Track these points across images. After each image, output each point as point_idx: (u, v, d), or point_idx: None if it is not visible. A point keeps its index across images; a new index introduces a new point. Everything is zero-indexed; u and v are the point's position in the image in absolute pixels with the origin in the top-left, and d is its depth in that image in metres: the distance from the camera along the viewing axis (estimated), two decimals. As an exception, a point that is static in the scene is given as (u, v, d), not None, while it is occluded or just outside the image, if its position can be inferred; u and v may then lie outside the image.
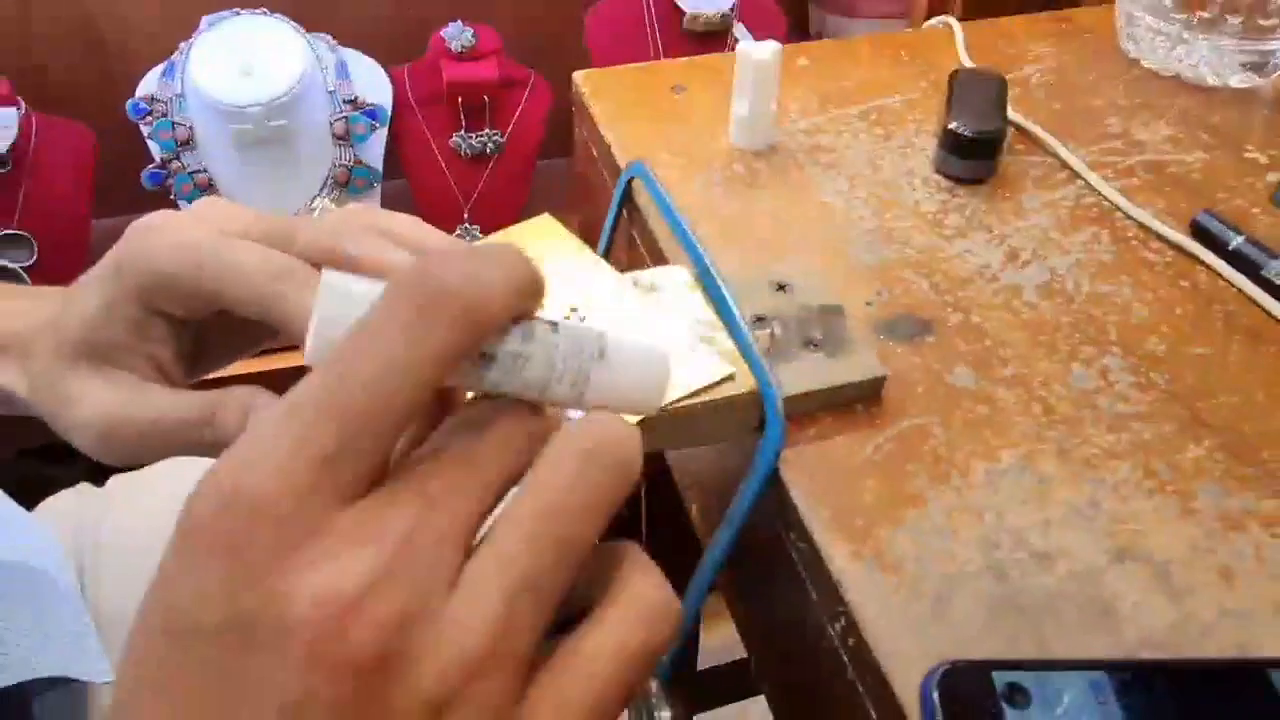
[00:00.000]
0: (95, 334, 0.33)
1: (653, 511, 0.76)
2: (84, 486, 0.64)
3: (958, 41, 0.61)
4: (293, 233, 0.33)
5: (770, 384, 0.34)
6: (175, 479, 0.62)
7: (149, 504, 0.60)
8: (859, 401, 0.36)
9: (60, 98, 0.92)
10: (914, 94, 0.57)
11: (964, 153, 0.49)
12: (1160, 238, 0.46)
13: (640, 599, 0.21)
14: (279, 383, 0.34)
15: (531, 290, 0.22)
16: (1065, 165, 0.51)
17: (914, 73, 0.59)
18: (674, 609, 0.22)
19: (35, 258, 0.86)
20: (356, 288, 0.21)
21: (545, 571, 0.20)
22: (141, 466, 0.52)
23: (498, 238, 0.38)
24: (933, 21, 0.65)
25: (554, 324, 0.22)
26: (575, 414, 0.27)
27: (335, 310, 0.21)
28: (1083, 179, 0.50)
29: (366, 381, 0.19)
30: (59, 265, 0.87)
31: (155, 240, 0.32)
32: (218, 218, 0.33)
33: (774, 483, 0.34)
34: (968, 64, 0.59)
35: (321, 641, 0.18)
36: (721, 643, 0.95)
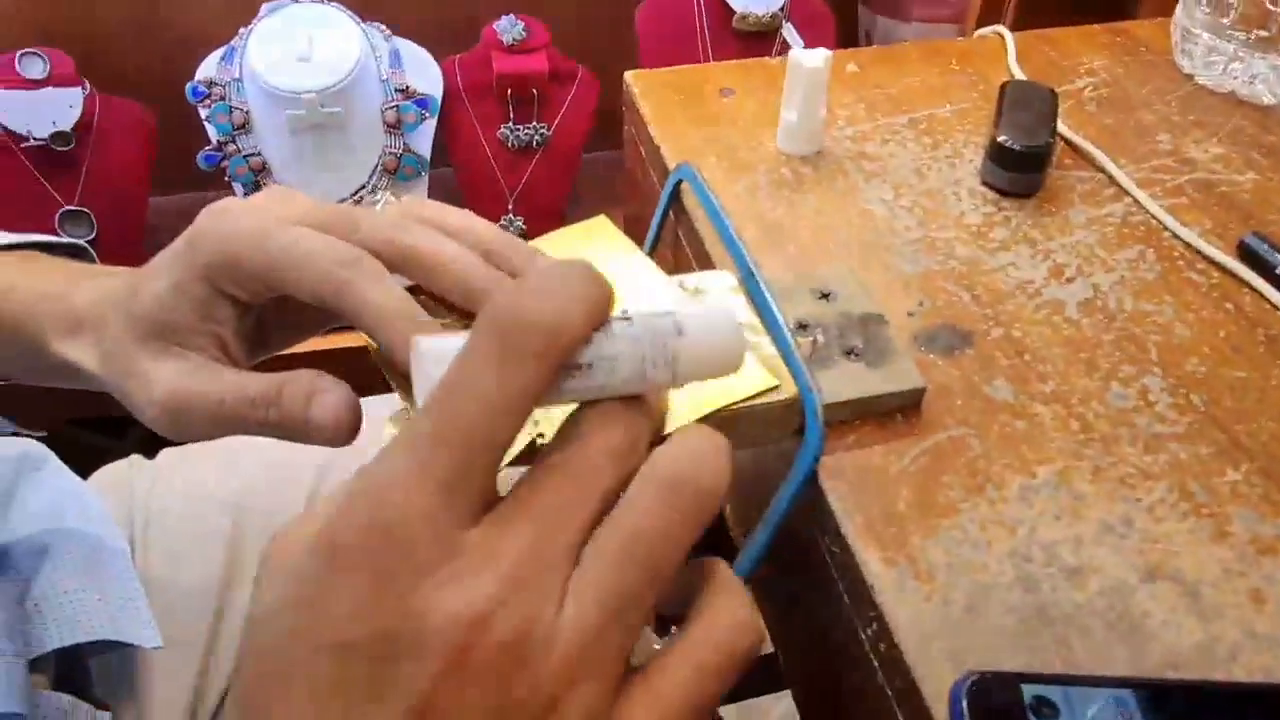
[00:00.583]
0: (165, 313, 0.34)
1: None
2: (135, 458, 0.66)
3: (1009, 52, 0.61)
4: (355, 223, 0.34)
5: (811, 391, 0.35)
6: (223, 455, 0.64)
7: (198, 478, 0.62)
8: (898, 411, 0.37)
9: (123, 79, 0.95)
10: (964, 104, 0.57)
11: (1011, 166, 0.49)
12: (1206, 258, 0.46)
13: (726, 617, 0.23)
14: (337, 362, 0.36)
15: (607, 300, 0.23)
16: (1113, 181, 0.51)
17: (964, 82, 0.59)
18: (757, 626, 0.24)
19: (94, 233, 0.88)
20: (450, 346, 0.22)
21: (633, 593, 0.22)
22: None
23: (552, 237, 0.39)
24: (984, 31, 0.65)
25: (628, 317, 0.23)
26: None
27: (432, 372, 0.22)
28: (1131, 196, 0.50)
29: (470, 421, 0.21)
30: (116, 241, 0.90)
31: (226, 224, 0.33)
32: (284, 206, 0.34)
33: (811, 487, 0.35)
34: (1019, 75, 0.59)
35: (455, 654, 0.20)
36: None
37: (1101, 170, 0.52)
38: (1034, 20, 0.95)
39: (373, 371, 0.34)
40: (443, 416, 0.21)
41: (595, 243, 0.40)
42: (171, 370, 0.34)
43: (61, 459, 0.60)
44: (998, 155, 0.49)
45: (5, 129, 0.84)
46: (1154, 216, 0.48)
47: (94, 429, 0.96)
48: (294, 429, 0.33)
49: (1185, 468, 0.36)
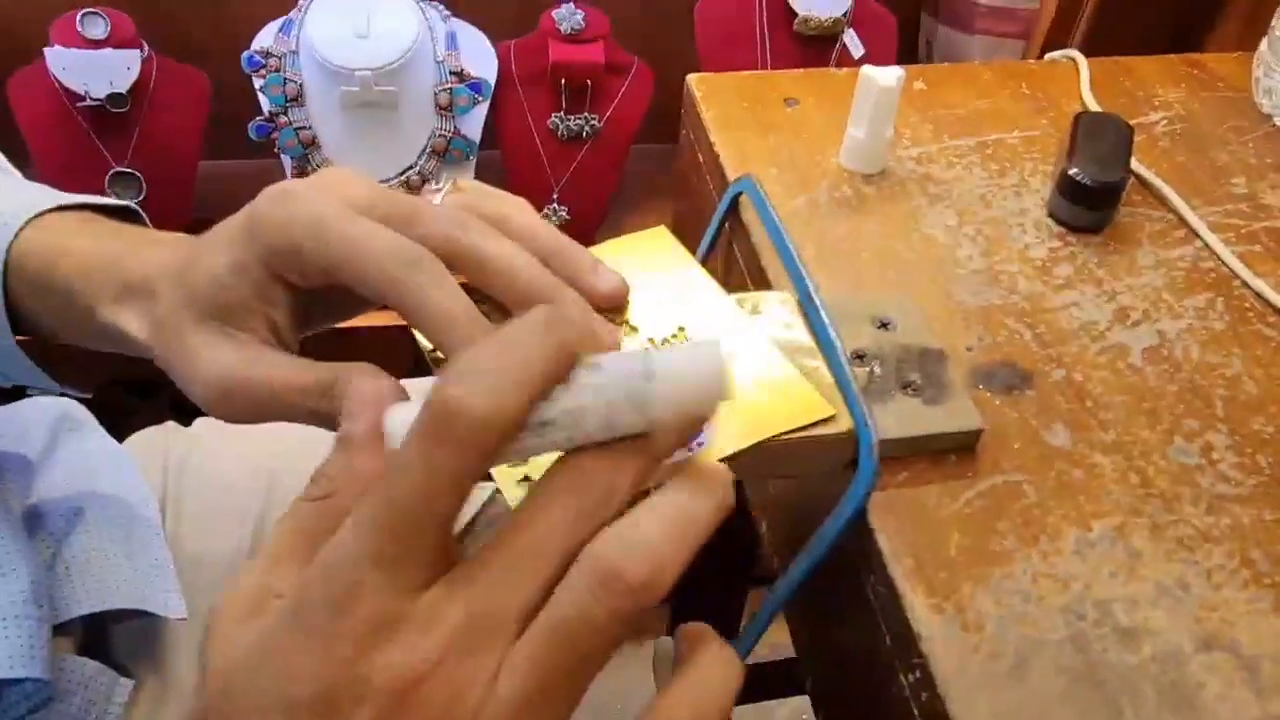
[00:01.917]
0: (221, 293, 0.33)
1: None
2: (171, 425, 0.66)
3: (1082, 79, 0.60)
4: (415, 214, 0.33)
5: (867, 425, 0.34)
6: (258, 429, 0.63)
7: (232, 450, 0.62)
8: (952, 451, 0.36)
9: (182, 44, 0.95)
10: (1033, 130, 0.56)
11: (1081, 201, 0.48)
12: (1278, 311, 0.44)
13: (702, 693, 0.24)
14: (380, 342, 0.35)
15: (562, 357, 0.24)
16: (1184, 223, 0.49)
17: (1034, 108, 0.58)
18: (730, 696, 0.25)
19: (143, 196, 0.89)
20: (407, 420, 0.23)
21: (563, 673, 0.23)
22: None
23: (611, 245, 0.38)
24: (1056, 54, 0.64)
25: (596, 364, 0.23)
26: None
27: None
28: (1202, 239, 0.48)
29: (406, 506, 0.23)
30: (164, 205, 0.90)
31: (290, 209, 0.32)
32: (345, 190, 0.34)
33: (859, 523, 0.34)
34: (1092, 103, 0.58)
35: (391, 709, 0.22)
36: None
37: (1173, 211, 0.50)
38: (1104, 42, 0.93)
39: (402, 351, 0.34)
40: (382, 501, 0.23)
41: (655, 253, 0.39)
42: (225, 353, 0.34)
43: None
44: (1068, 188, 0.48)
45: (63, 87, 0.85)
46: (1225, 263, 0.47)
47: (126, 390, 0.96)
48: None
49: (1247, 533, 0.35)
